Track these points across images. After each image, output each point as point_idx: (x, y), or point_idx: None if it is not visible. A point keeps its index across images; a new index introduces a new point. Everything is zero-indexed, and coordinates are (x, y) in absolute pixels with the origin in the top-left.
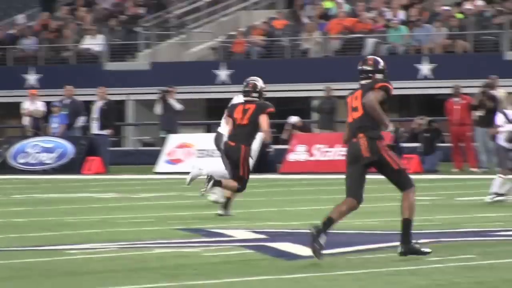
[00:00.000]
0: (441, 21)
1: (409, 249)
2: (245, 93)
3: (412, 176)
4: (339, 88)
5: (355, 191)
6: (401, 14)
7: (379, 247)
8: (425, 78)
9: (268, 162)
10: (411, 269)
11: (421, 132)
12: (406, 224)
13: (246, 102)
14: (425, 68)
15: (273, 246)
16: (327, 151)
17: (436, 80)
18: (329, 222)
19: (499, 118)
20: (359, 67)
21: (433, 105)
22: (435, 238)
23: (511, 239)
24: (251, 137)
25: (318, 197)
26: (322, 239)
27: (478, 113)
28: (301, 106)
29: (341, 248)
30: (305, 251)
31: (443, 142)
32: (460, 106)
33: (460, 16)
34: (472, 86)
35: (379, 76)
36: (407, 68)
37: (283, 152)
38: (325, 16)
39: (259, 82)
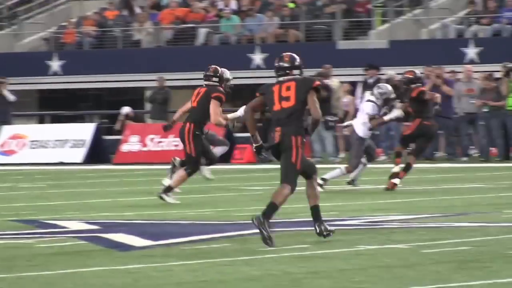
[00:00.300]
0: (273, 10)
1: (263, 224)
2: (206, 77)
3: (246, 166)
4: (172, 78)
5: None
6: (233, 4)
7: (213, 237)
8: (258, 67)
9: (102, 153)
10: (245, 259)
11: None
12: (272, 206)
13: (204, 86)
14: (257, 57)
15: (106, 237)
16: (160, 142)
17: (269, 69)
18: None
19: (369, 107)
20: (276, 64)
21: None
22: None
23: (346, 228)
24: (201, 119)
25: (151, 187)
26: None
27: None
28: (134, 96)
29: (175, 239)
30: (139, 241)
31: None
32: None
33: (292, 5)
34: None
35: (296, 72)
36: (239, 57)
37: (117, 142)
38: (157, 6)
39: (222, 70)
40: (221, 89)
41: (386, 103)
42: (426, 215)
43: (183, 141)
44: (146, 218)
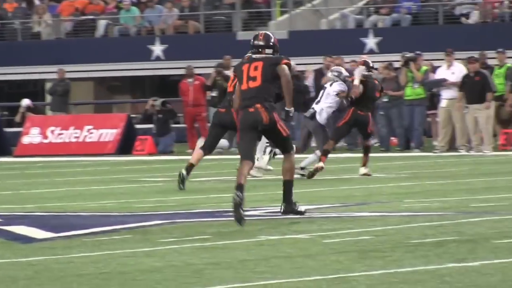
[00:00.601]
0: (172, 2)
1: (290, 209)
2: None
3: (147, 158)
4: (72, 70)
5: (251, 154)
6: None
7: (114, 228)
8: (158, 59)
9: (3, 145)
10: (147, 251)
11: (154, 113)
12: (288, 185)
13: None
14: (157, 49)
15: (8, 229)
16: (60, 134)
17: (169, 61)
18: (240, 187)
19: (336, 87)
20: (251, 43)
21: (167, 86)
22: (169, 219)
23: (247, 219)
24: None
25: (53, 179)
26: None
27: (213, 94)
28: (34, 88)
29: (76, 231)
30: (40, 234)
31: (177, 123)
32: (194, 87)
33: None
34: (205, 67)
35: (269, 51)
36: (139, 49)
37: (17, 135)
38: None
39: None
40: None
41: (345, 80)
42: (327, 205)
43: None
44: (47, 210)
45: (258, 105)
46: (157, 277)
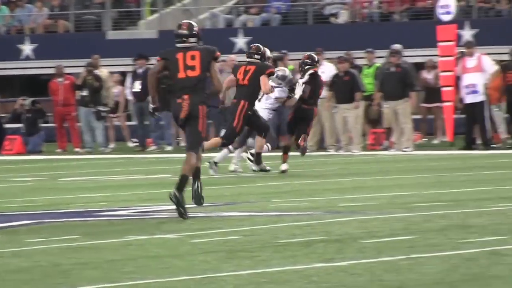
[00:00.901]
0: (42, 1)
1: (179, 197)
2: (249, 55)
3: (15, 157)
4: None
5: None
6: None
7: None
8: (27, 58)
9: None
10: (14, 251)
11: (23, 112)
12: (183, 178)
13: (248, 63)
14: (27, 48)
15: None
16: None
17: (39, 60)
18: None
19: (277, 93)
20: (175, 32)
21: (37, 85)
22: (38, 219)
23: (114, 219)
24: (254, 97)
25: None
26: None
27: (83, 93)
28: None
29: None
30: None
31: (47, 122)
32: (64, 86)
33: None
34: (75, 66)
35: (193, 40)
36: (9, 48)
37: None
38: None
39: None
40: (271, 65)
41: (290, 83)
42: (196, 204)
43: (234, 115)
44: None
45: (186, 97)
46: (24, 277)
